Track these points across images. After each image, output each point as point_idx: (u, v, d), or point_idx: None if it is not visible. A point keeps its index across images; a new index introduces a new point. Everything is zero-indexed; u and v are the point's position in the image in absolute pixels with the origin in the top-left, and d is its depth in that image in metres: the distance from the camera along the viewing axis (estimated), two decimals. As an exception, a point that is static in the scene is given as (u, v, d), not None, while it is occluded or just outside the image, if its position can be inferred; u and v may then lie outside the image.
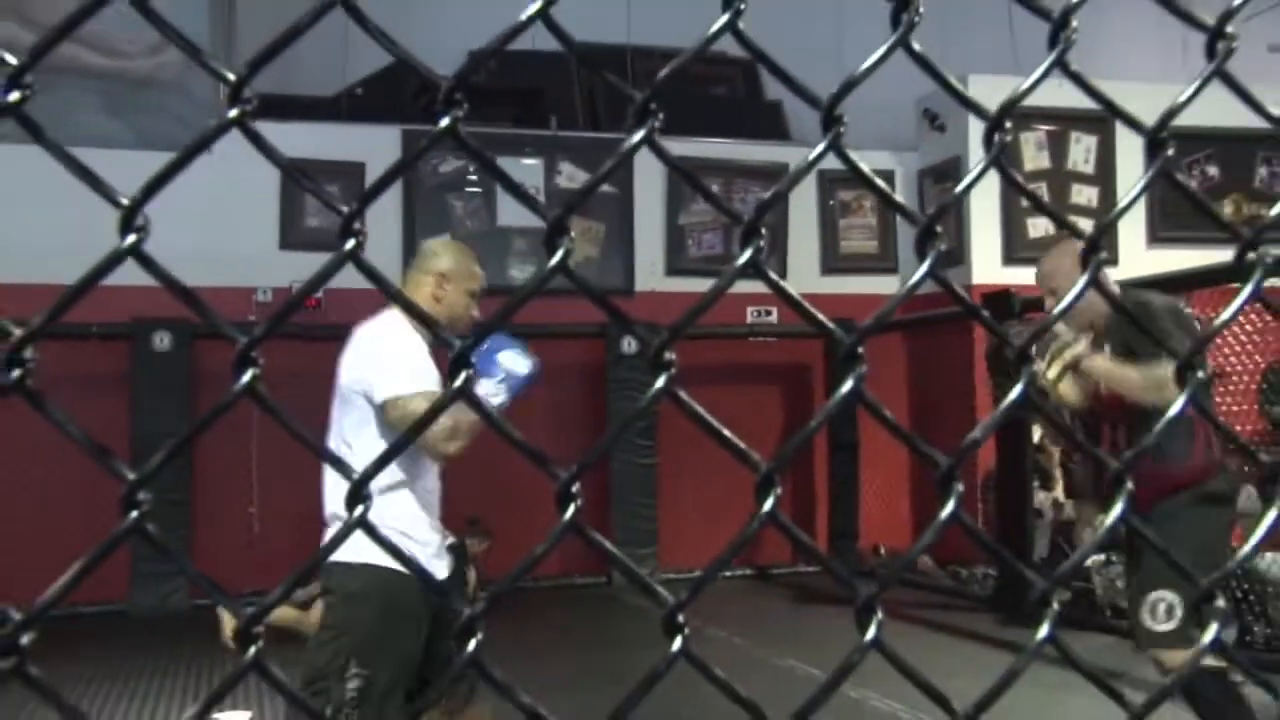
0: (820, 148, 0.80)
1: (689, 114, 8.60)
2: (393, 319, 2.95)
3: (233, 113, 0.73)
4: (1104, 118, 7.30)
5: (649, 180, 8.55)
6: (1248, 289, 0.83)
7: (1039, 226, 8.35)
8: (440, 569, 2.95)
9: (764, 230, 0.78)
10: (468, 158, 0.83)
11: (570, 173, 8.52)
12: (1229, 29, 0.87)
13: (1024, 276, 7.87)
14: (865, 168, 0.83)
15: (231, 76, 0.73)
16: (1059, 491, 7.46)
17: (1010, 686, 0.82)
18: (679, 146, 8.62)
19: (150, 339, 7.51)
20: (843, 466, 8.49)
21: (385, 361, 2.86)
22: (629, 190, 8.53)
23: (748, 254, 0.77)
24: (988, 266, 8.31)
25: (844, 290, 8.46)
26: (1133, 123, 0.88)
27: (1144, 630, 3.19)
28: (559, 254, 0.75)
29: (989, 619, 6.47)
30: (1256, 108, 0.86)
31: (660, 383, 0.76)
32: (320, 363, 8.07)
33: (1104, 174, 8.55)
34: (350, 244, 0.76)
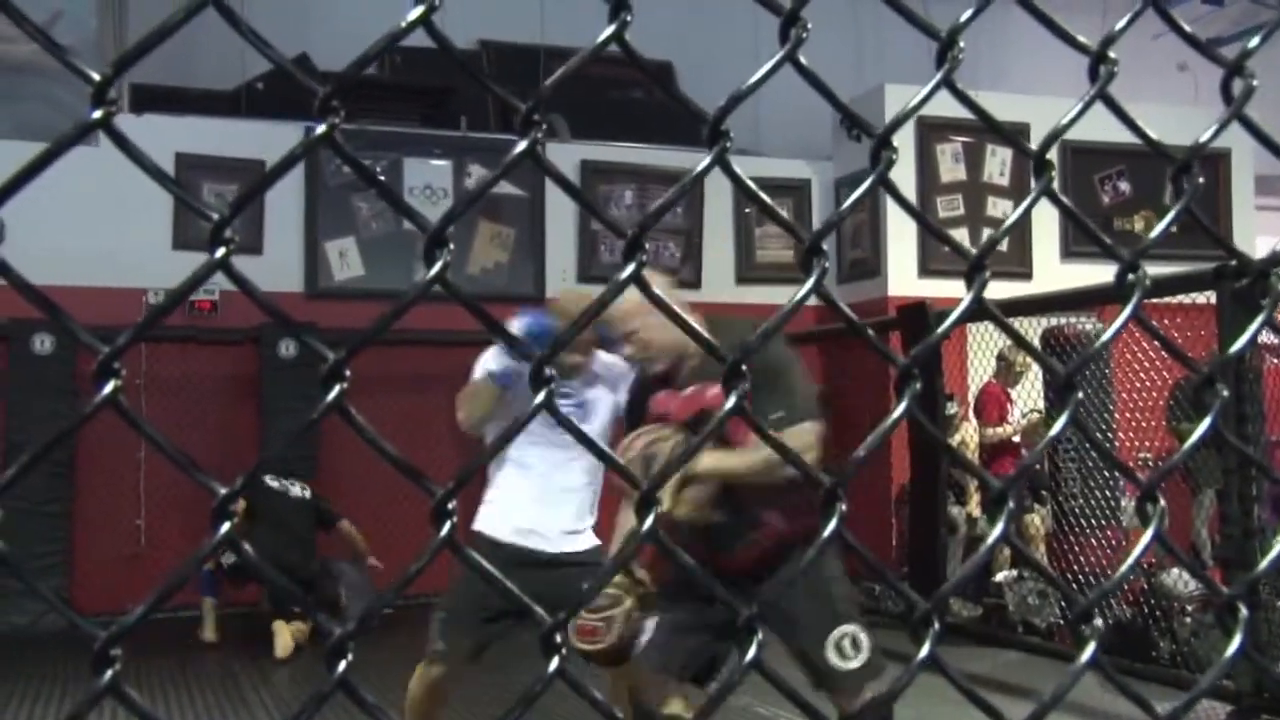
0: (705, 163, 0.79)
1: (604, 118, 8.49)
2: None
3: (96, 114, 0.71)
4: (1021, 130, 7.42)
5: (561, 185, 8.51)
6: (1126, 311, 0.84)
7: (956, 239, 8.47)
8: (539, 545, 3.40)
9: (646, 245, 0.76)
10: (351, 169, 0.82)
11: (480, 175, 8.36)
12: (1111, 53, 0.88)
13: (941, 289, 7.99)
14: (750, 183, 0.83)
15: (96, 76, 0.71)
16: (974, 506, 7.49)
17: (894, 702, 0.82)
18: (593, 150, 8.57)
19: (30, 341, 7.15)
20: (752, 479, 8.42)
21: None
22: (541, 195, 8.37)
23: (630, 268, 0.76)
24: (904, 278, 8.38)
25: (760, 300, 8.47)
26: (1017, 144, 0.89)
27: (835, 671, 2.84)
28: (437, 266, 0.73)
29: (901, 635, 6.49)
30: (1136, 130, 0.87)
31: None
32: (215, 366, 7.76)
33: (1019, 186, 8.69)
34: (220, 252, 0.74)
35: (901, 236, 8.37)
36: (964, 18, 0.87)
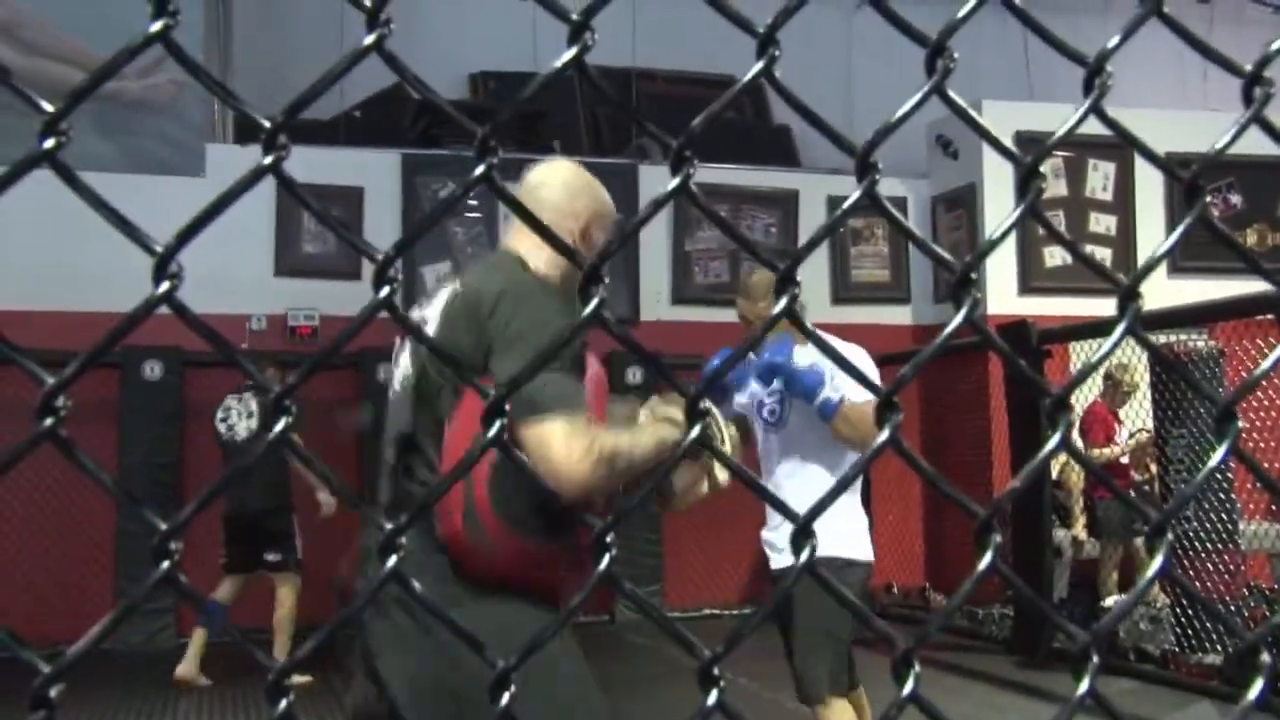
0: (855, 196, 0.79)
1: (697, 139, 8.52)
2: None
3: (268, 160, 0.73)
4: (1123, 144, 7.22)
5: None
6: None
7: (1055, 255, 8.29)
8: (773, 560, 3.42)
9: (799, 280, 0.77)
10: (506, 206, 0.84)
11: (572, 197, 8.44)
12: (1266, 74, 0.86)
13: (1041, 307, 7.86)
14: (897, 214, 0.82)
15: (267, 123, 0.73)
16: (1079, 529, 7.30)
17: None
18: (687, 172, 8.56)
19: (140, 368, 7.37)
20: (854, 503, 8.31)
21: None
22: (634, 216, 8.41)
23: (783, 303, 0.77)
24: (1003, 297, 8.25)
25: (854, 320, 8.39)
26: (1169, 170, 0.87)
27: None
28: (593, 303, 0.74)
29: (1006, 661, 6.32)
30: (1296, 154, 0.85)
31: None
32: (314, 390, 7.84)
33: (1123, 202, 8.50)
34: (385, 291, 0.76)
35: (1001, 254, 8.22)
36: (1112, 43, 0.86)
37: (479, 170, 0.76)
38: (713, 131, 8.69)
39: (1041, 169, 0.86)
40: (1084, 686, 0.79)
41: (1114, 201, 8.51)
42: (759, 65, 0.80)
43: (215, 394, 6.84)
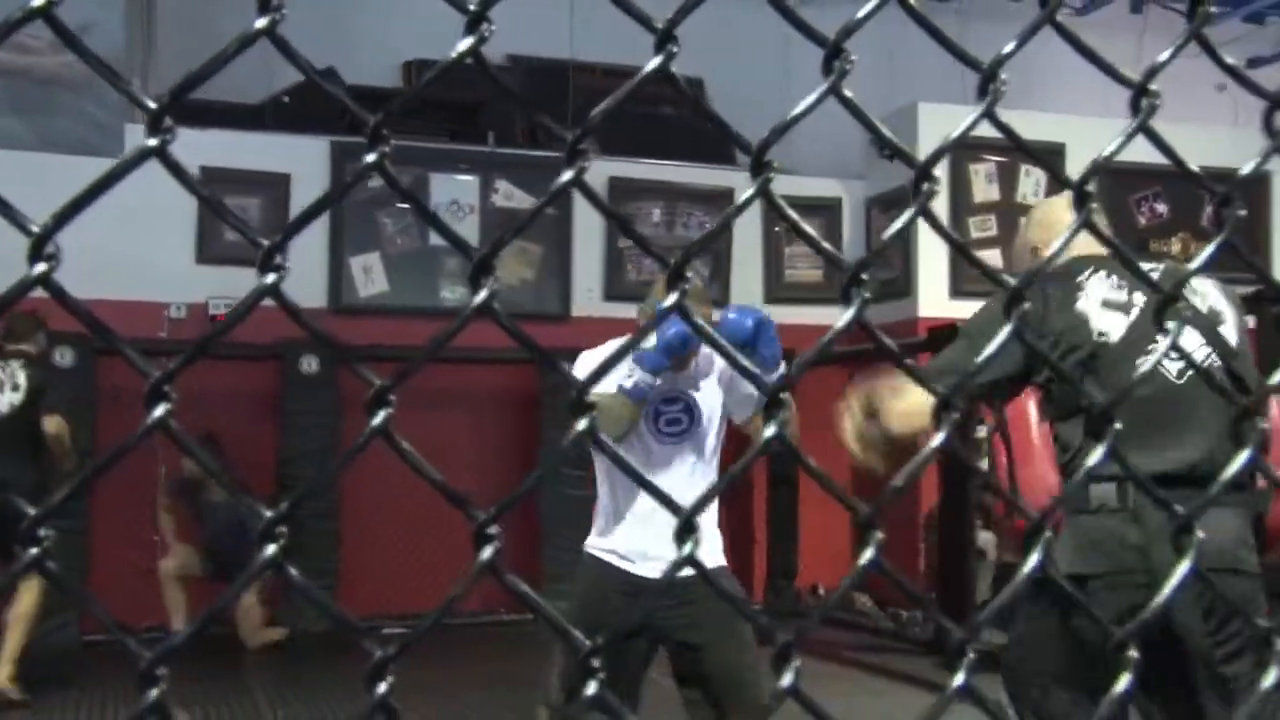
0: (748, 194, 0.80)
1: (633, 134, 8.48)
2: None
3: (152, 142, 0.72)
4: (1055, 150, 7.38)
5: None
6: (1164, 344, 0.83)
7: (988, 259, 8.35)
8: (642, 570, 3.17)
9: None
10: (396, 193, 0.83)
11: (507, 191, 8.29)
12: (1152, 86, 0.88)
13: (972, 310, 7.90)
14: (793, 214, 0.83)
15: (152, 104, 0.72)
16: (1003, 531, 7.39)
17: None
18: (621, 168, 8.54)
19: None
20: (781, 503, 8.24)
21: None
22: (568, 211, 8.29)
23: (674, 297, 0.77)
24: (935, 299, 8.33)
25: (788, 320, 8.37)
26: (1059, 175, 0.89)
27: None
28: (483, 294, 0.74)
29: (928, 662, 6.33)
30: (1178, 163, 0.88)
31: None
32: (234, 381, 7.68)
33: (1052, 208, 8.62)
34: (271, 278, 0.75)
35: (933, 257, 8.32)
36: (1006, 50, 0.87)
37: (370, 158, 0.76)
38: (649, 128, 8.75)
39: (936, 172, 0.88)
40: (959, 680, 0.81)
41: (1044, 208, 8.62)
42: (656, 61, 0.80)
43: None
